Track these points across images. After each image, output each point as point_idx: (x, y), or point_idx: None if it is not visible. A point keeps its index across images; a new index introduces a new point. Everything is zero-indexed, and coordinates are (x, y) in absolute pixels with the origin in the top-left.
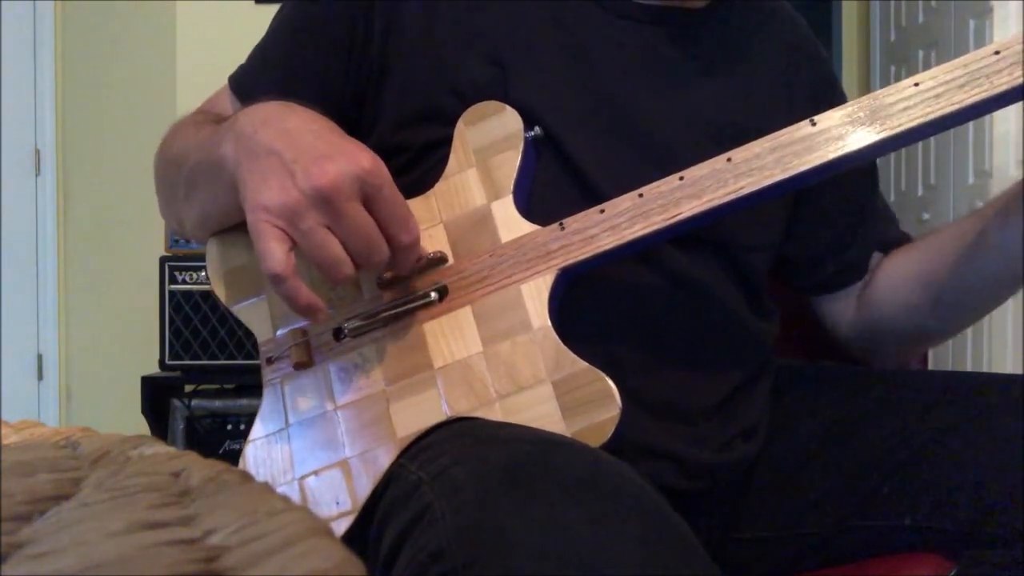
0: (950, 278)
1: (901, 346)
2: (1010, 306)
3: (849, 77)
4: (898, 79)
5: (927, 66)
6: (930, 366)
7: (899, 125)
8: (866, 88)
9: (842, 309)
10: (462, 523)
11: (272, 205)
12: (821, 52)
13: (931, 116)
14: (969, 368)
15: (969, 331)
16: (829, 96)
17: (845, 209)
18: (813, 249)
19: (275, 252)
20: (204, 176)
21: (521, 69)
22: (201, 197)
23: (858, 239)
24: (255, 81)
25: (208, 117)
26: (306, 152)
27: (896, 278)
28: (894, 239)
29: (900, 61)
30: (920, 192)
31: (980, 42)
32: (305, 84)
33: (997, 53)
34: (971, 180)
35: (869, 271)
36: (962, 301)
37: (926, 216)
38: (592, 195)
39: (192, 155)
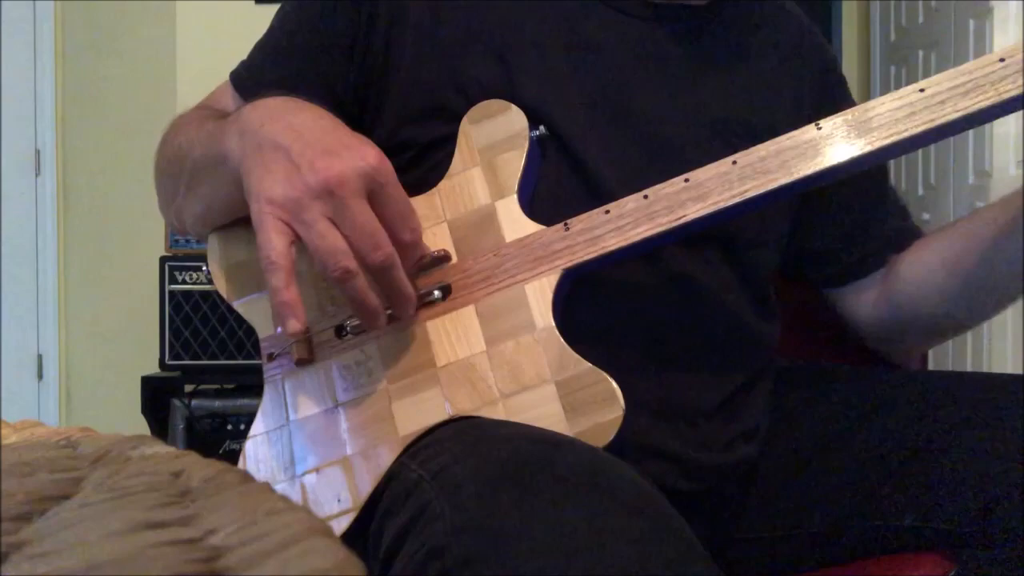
0: (980, 265)
1: (926, 336)
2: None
3: (849, 77)
4: (898, 79)
5: (927, 66)
6: (930, 366)
7: (904, 131)
8: (866, 88)
9: (861, 301)
10: (461, 520)
11: (276, 197)
12: (829, 51)
13: (936, 122)
14: (969, 368)
15: (969, 331)
16: (835, 94)
17: (859, 199)
18: (829, 240)
19: (275, 241)
20: (207, 171)
21: (526, 67)
22: (203, 192)
23: (873, 229)
24: (257, 77)
25: (210, 112)
26: (312, 147)
27: (923, 266)
28: (908, 230)
29: (900, 61)
30: (920, 192)
31: (980, 42)
32: (307, 81)
33: (1002, 60)
34: (971, 180)
35: (887, 262)
36: (992, 288)
37: (926, 216)
38: (597, 193)
39: (195, 150)
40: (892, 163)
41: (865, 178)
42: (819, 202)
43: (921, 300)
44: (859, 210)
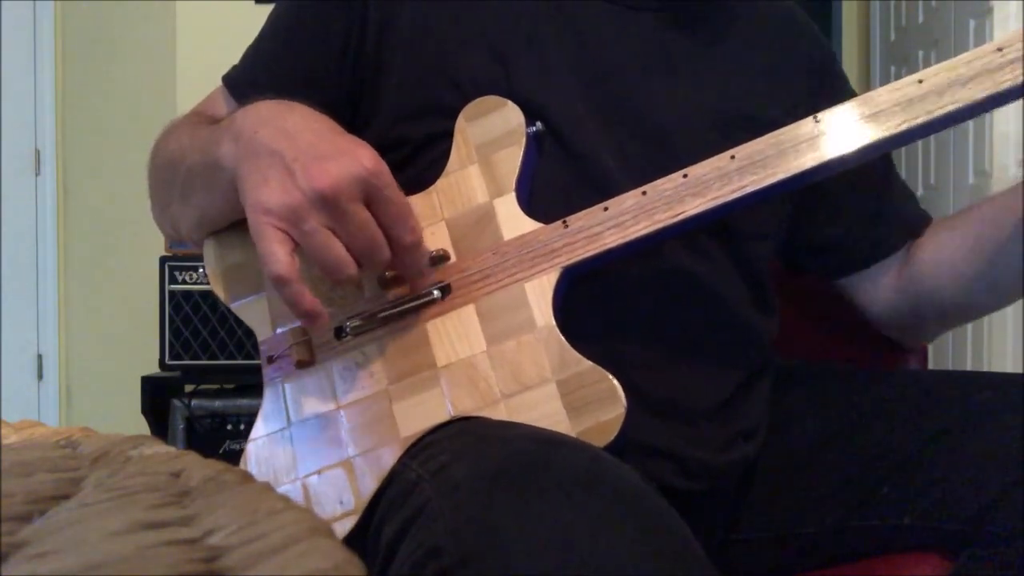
0: (1003, 248)
1: (946, 321)
2: (1010, 306)
3: (849, 77)
4: (898, 79)
5: (927, 66)
6: (930, 366)
7: (903, 123)
8: (866, 88)
9: (876, 288)
10: (459, 520)
11: (274, 206)
12: (821, 40)
13: (935, 114)
14: (969, 368)
15: (969, 331)
16: (829, 82)
17: (868, 185)
18: (840, 227)
19: (278, 254)
20: (202, 177)
21: (522, 61)
22: (198, 198)
23: (884, 214)
24: (250, 81)
25: (203, 118)
26: (307, 152)
27: (944, 251)
28: (919, 215)
29: (900, 61)
30: (920, 192)
31: (980, 42)
32: (300, 83)
33: (1000, 50)
34: (971, 180)
35: (901, 247)
36: (1015, 272)
37: None
38: (596, 188)
39: (189, 156)
40: None
41: (872, 164)
42: (826, 189)
43: (942, 285)
44: (869, 196)
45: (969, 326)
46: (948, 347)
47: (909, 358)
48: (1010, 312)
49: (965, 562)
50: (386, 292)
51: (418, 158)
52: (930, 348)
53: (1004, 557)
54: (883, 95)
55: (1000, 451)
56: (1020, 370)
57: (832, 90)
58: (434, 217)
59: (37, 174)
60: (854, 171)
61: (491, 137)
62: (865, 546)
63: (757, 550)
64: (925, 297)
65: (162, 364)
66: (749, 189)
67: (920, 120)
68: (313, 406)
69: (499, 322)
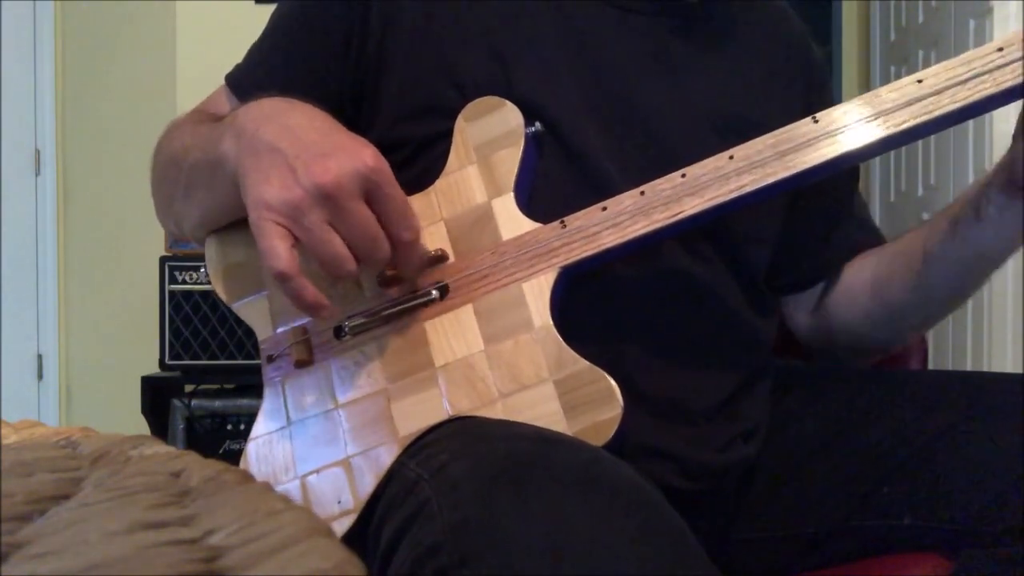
0: (900, 288)
1: (854, 351)
2: (1010, 306)
3: (849, 77)
4: (898, 79)
5: (927, 66)
6: (930, 366)
7: (902, 122)
8: (866, 88)
9: (800, 308)
10: (459, 518)
11: (275, 202)
12: (814, 50)
13: (934, 114)
14: (969, 368)
15: (969, 331)
16: (819, 82)
17: (822, 212)
18: (789, 249)
19: (279, 250)
20: (204, 174)
21: (523, 63)
22: (201, 195)
23: (831, 242)
24: (253, 79)
25: (205, 116)
26: (308, 148)
27: (852, 285)
28: (860, 244)
29: (900, 61)
30: (920, 192)
31: (980, 42)
32: (302, 82)
33: (1000, 50)
34: (971, 180)
35: (831, 274)
36: (912, 311)
37: (926, 216)
38: (595, 188)
39: (191, 153)
40: (892, 163)
41: (832, 189)
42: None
43: (848, 317)
44: (823, 221)
45: (969, 326)
46: (948, 347)
47: (909, 358)
48: (1010, 312)
49: (965, 562)
50: (385, 291)
51: (418, 158)
52: (930, 348)
53: (1004, 557)
54: (882, 95)
55: (1000, 451)
56: (1020, 370)
57: (822, 90)
58: (433, 217)
59: (37, 174)
60: (816, 194)
61: (490, 137)
62: (865, 546)
63: (757, 550)
64: (834, 327)
65: (162, 364)
66: (747, 189)
67: (920, 120)
68: (312, 405)
69: (497, 322)
